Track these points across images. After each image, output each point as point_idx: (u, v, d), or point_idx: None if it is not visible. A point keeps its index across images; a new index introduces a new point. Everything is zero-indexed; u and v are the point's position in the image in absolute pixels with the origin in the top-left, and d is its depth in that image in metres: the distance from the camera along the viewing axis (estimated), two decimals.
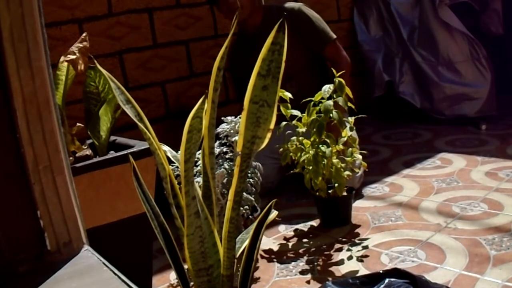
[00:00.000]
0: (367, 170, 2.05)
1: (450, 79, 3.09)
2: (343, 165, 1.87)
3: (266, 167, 1.85)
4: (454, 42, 3.07)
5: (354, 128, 1.93)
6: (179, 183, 0.99)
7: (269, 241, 1.89)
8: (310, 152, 1.85)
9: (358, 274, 1.60)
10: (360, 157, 1.94)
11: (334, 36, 2.40)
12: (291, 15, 2.32)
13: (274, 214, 1.16)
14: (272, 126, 0.93)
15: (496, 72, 3.05)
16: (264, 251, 1.82)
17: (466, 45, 3.04)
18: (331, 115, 1.82)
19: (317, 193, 1.94)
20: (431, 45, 3.12)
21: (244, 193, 1.66)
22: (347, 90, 1.84)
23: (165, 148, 1.24)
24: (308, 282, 1.60)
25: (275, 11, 2.40)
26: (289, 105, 1.87)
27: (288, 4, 2.43)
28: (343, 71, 1.97)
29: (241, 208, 1.64)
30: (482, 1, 3.25)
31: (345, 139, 1.88)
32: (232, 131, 1.69)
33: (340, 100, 1.82)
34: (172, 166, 1.46)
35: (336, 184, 1.86)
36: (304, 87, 2.25)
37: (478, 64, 3.04)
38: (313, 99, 1.87)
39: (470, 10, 3.25)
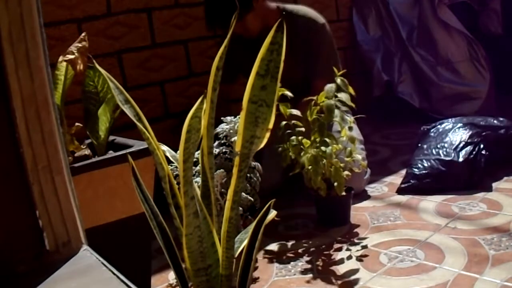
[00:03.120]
0: (366, 170, 2.05)
1: (449, 79, 3.09)
2: (342, 164, 1.87)
3: (269, 168, 1.84)
4: (453, 42, 3.07)
5: (353, 128, 1.93)
6: (178, 183, 0.99)
7: (268, 241, 1.89)
8: (310, 151, 1.85)
9: (357, 274, 1.60)
10: (360, 157, 1.94)
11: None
12: (309, 26, 2.21)
13: (273, 213, 1.16)
14: (271, 126, 0.93)
15: (495, 72, 3.06)
16: (263, 250, 1.82)
17: (465, 45, 3.05)
18: (333, 114, 1.82)
19: (316, 193, 1.94)
20: (430, 44, 3.12)
21: (243, 193, 1.66)
22: (350, 89, 1.85)
23: (164, 148, 1.24)
24: (307, 282, 1.60)
25: (290, 17, 2.22)
26: (288, 104, 1.87)
27: (310, 14, 2.26)
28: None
29: (240, 208, 1.64)
30: (481, 1, 3.25)
31: (345, 138, 1.88)
32: (231, 131, 1.69)
33: (344, 97, 1.82)
34: (171, 166, 1.46)
35: (336, 184, 1.86)
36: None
37: (477, 64, 3.04)
38: (313, 98, 1.87)
39: (469, 10, 3.25)
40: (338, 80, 1.84)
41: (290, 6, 2.30)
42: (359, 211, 2.07)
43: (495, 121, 2.34)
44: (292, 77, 2.15)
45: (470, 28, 3.09)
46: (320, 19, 2.27)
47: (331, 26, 2.46)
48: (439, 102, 3.11)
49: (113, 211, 1.46)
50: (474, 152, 2.16)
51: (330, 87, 1.84)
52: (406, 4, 3.23)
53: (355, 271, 1.62)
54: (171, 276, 1.71)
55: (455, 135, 2.25)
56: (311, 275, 1.63)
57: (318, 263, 1.71)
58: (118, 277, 0.75)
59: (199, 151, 1.03)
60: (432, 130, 2.35)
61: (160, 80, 2.58)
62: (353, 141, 1.90)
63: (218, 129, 1.69)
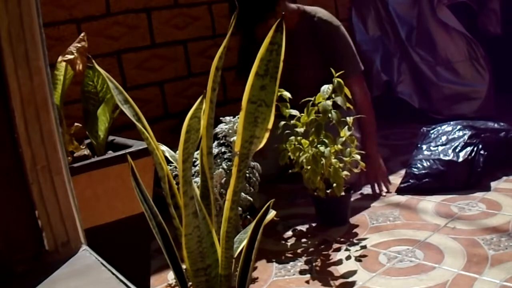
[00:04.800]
0: (364, 169, 2.05)
1: (448, 79, 3.09)
2: (341, 165, 1.87)
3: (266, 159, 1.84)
4: (452, 42, 3.07)
5: (353, 128, 1.93)
6: (177, 183, 0.99)
7: (267, 241, 1.89)
8: (309, 151, 1.85)
9: (356, 274, 1.60)
10: (359, 157, 1.94)
11: (362, 68, 2.31)
12: (326, 28, 2.27)
13: (272, 214, 1.16)
14: (270, 126, 0.93)
15: (494, 72, 3.06)
16: (262, 251, 1.82)
17: (464, 45, 3.05)
18: (329, 115, 1.82)
19: (316, 193, 1.94)
20: (429, 45, 3.12)
21: (242, 193, 1.66)
22: (346, 90, 1.85)
23: (163, 148, 1.24)
24: (307, 282, 1.60)
25: (309, 19, 2.30)
26: (288, 104, 1.87)
27: (326, 17, 2.30)
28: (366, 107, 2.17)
29: (239, 208, 1.64)
30: (480, 1, 3.25)
31: (344, 139, 1.88)
32: (230, 131, 1.69)
33: (339, 100, 1.82)
34: (170, 166, 1.46)
35: (335, 184, 1.86)
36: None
37: (476, 64, 3.04)
38: (311, 99, 1.87)
39: (468, 10, 3.25)
40: (335, 82, 1.84)
41: (309, 8, 2.34)
42: (358, 211, 2.07)
43: (495, 125, 2.35)
44: (315, 75, 2.24)
45: (469, 28, 3.09)
46: (336, 21, 2.31)
47: None
48: (439, 102, 3.11)
49: (112, 211, 1.46)
50: (473, 153, 2.17)
51: (326, 87, 1.84)
52: (405, 5, 3.23)
53: (354, 271, 1.62)
54: (170, 276, 1.71)
55: (454, 136, 2.26)
56: (310, 275, 1.63)
57: (317, 263, 1.71)
58: (117, 277, 0.75)
59: (198, 151, 1.03)
60: (432, 132, 2.36)
61: (160, 80, 2.58)
62: (352, 142, 1.90)
63: (217, 129, 1.69)
